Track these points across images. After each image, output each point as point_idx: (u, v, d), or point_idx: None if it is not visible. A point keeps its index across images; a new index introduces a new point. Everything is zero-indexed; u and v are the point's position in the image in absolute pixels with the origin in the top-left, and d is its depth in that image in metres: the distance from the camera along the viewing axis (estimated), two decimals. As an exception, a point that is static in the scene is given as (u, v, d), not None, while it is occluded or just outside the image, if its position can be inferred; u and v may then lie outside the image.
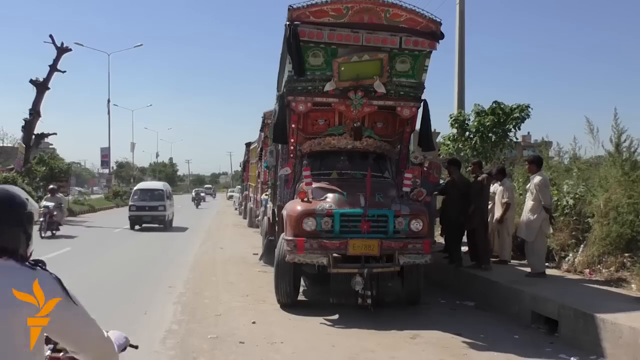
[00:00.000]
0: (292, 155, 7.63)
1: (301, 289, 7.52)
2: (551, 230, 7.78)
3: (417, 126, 7.74)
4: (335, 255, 6.25)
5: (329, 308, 6.57)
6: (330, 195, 6.61)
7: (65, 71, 24.89)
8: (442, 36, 6.88)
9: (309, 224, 6.29)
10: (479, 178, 8.04)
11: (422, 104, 7.37)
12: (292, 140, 7.50)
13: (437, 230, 10.32)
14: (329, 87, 6.98)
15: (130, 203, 19.41)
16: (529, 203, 7.44)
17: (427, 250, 6.34)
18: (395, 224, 6.35)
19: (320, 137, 7.66)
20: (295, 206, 6.55)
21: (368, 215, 6.26)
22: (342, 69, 6.91)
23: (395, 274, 6.74)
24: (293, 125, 7.36)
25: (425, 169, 8.28)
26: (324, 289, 6.99)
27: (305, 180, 6.75)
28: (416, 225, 6.39)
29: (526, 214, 7.44)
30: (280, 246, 6.70)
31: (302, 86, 7.07)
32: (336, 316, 6.36)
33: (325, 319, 6.23)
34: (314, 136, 7.72)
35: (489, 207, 8.37)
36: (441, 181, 9.23)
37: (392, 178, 7.59)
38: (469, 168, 8.66)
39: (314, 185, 6.81)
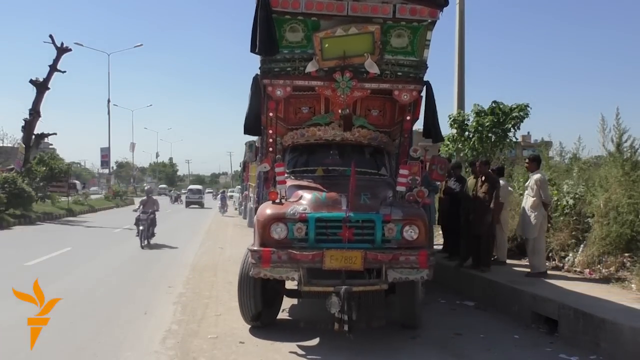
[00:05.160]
0: (271, 149, 6.45)
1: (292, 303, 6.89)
2: (548, 227, 7.78)
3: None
4: (311, 268, 5.20)
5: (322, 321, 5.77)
6: (307, 196, 5.55)
7: (65, 71, 25.02)
8: (445, 3, 5.85)
9: (278, 231, 5.25)
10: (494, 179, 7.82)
11: (424, 86, 6.20)
12: (270, 131, 6.38)
13: (437, 231, 10.33)
14: (310, 67, 5.88)
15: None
16: (529, 200, 7.43)
17: (424, 263, 5.16)
18: (385, 232, 5.25)
19: (304, 128, 6.69)
20: (264, 210, 5.46)
21: (351, 220, 5.20)
22: (326, 45, 5.80)
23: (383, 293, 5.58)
24: (271, 114, 6.26)
25: (427, 164, 7.15)
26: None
27: (279, 177, 5.76)
28: (410, 232, 5.27)
29: (527, 212, 7.44)
30: (245, 258, 5.73)
31: (279, 67, 5.95)
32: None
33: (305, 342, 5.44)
34: (297, 127, 6.75)
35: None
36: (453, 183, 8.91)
37: (390, 175, 6.56)
38: (478, 168, 8.18)
39: (289, 183, 5.90)
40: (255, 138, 7.12)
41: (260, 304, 5.72)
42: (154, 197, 15.13)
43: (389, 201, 5.66)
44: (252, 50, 5.71)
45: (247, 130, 6.45)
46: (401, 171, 5.88)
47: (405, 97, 6.12)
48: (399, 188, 5.84)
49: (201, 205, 39.63)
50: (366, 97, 6.36)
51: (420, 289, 5.80)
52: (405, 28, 5.85)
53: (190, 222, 24.19)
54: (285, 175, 5.89)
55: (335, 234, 5.22)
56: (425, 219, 5.48)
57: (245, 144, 7.08)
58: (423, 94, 6.24)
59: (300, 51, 5.89)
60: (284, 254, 5.13)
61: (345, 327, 4.94)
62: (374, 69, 5.91)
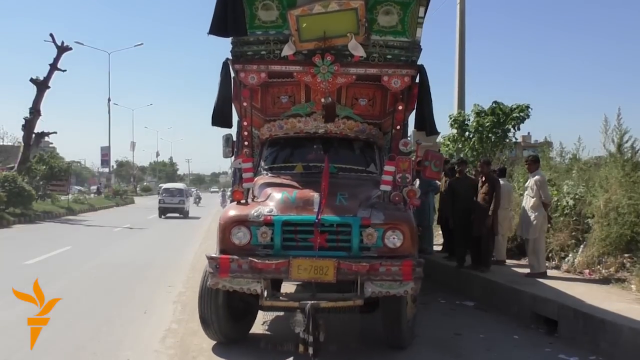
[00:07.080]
0: (246, 143, 5.60)
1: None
2: (547, 228, 7.79)
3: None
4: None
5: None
6: (275, 196, 4.88)
7: (65, 70, 25.08)
8: None
9: (240, 236, 4.62)
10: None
11: (418, 71, 5.39)
12: (245, 123, 5.59)
13: (438, 231, 10.33)
14: (287, 50, 5.11)
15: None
16: (530, 201, 7.45)
17: (408, 275, 4.41)
18: (363, 238, 4.56)
19: (282, 119, 6.06)
20: (226, 211, 4.87)
21: (323, 224, 4.50)
22: (303, 25, 5.00)
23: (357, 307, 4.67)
24: (245, 104, 5.47)
25: (420, 159, 5.99)
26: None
27: (245, 175, 5.14)
28: (393, 239, 4.56)
29: (527, 212, 7.45)
30: (205, 266, 4.94)
31: (252, 50, 5.21)
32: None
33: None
34: (276, 118, 6.12)
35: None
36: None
37: (380, 173, 5.71)
38: (478, 168, 8.17)
39: (261, 181, 5.36)
40: (233, 131, 6.70)
41: (224, 318, 5.03)
42: None
43: (371, 202, 4.96)
44: (209, 31, 5.08)
45: (215, 121, 5.57)
46: (386, 167, 5.22)
47: (396, 83, 5.27)
48: (383, 187, 5.19)
49: (184, 213, 26.56)
50: (352, 85, 5.60)
51: (410, 304, 5.11)
52: (394, 4, 5.05)
53: (190, 221, 24.20)
54: (263, 172, 5.50)
55: (306, 239, 4.57)
56: (412, 224, 4.74)
57: (223, 137, 6.30)
58: (417, 80, 5.46)
59: (275, 32, 5.15)
60: (245, 262, 4.48)
61: (310, 350, 4.18)
62: (359, 52, 5.10)
